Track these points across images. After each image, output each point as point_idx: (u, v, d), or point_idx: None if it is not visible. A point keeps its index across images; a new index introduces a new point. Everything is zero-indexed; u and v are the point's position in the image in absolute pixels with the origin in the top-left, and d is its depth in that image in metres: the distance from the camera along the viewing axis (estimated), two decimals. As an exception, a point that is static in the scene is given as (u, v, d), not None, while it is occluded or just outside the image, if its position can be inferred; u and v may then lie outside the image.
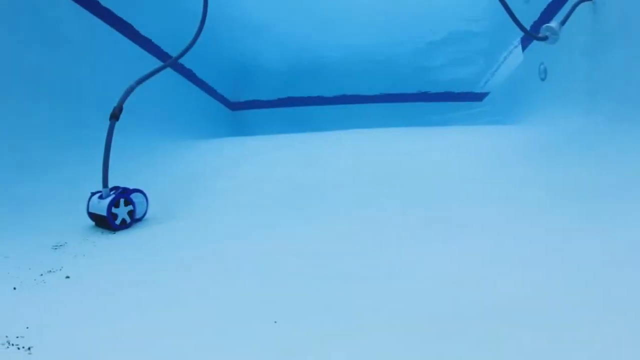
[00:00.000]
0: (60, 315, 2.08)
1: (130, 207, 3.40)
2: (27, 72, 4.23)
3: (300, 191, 3.84)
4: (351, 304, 2.06)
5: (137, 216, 3.48)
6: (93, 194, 3.44)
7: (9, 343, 1.81)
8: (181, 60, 5.40)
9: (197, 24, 4.51)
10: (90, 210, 3.41)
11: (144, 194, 3.53)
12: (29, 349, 1.76)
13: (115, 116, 3.50)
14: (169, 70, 5.39)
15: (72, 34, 4.68)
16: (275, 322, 1.92)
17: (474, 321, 1.84)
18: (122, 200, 3.35)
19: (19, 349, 1.77)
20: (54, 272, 2.56)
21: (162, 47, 5.52)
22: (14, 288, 2.36)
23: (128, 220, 3.38)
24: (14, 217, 3.48)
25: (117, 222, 3.33)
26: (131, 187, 3.50)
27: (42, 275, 2.52)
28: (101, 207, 3.32)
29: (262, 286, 2.31)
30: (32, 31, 4.30)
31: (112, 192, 3.38)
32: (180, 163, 4.58)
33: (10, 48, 4.14)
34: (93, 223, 3.43)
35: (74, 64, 4.61)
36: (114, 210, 3.31)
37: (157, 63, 4.63)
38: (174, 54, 4.37)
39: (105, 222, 3.31)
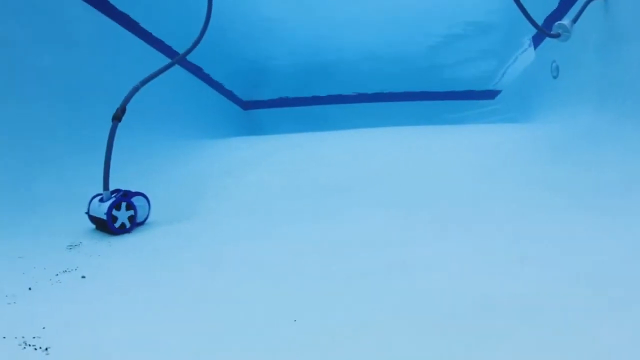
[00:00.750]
0: (77, 315, 2.08)
1: (131, 211, 3.34)
2: (40, 72, 4.24)
3: (313, 190, 3.85)
4: (367, 302, 2.06)
5: (139, 220, 3.42)
6: (94, 197, 3.41)
7: (25, 344, 1.81)
8: (193, 60, 5.41)
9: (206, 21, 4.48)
10: (91, 213, 3.37)
11: (146, 197, 3.48)
12: (46, 349, 1.77)
13: (117, 117, 3.41)
14: (180, 69, 5.41)
15: (83, 34, 4.69)
16: (295, 320, 1.93)
17: (482, 319, 1.84)
18: (122, 204, 3.30)
19: (35, 349, 1.77)
20: (69, 271, 2.57)
21: (175, 48, 5.53)
22: (29, 288, 2.37)
23: (128, 224, 3.33)
24: (27, 216, 3.49)
25: (117, 225, 3.27)
26: (140, 188, 3.48)
27: (57, 275, 2.52)
28: (101, 210, 3.28)
29: (279, 285, 2.31)
30: (43, 31, 4.31)
31: (113, 195, 3.33)
32: (192, 163, 4.59)
33: (22, 48, 4.15)
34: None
35: (87, 64, 4.62)
36: (114, 213, 3.26)
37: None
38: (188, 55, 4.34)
39: (105, 226, 3.26)
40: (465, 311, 1.90)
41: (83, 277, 2.50)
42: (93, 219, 3.37)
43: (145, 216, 3.48)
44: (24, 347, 1.79)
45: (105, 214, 3.24)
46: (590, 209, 2.99)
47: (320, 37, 6.94)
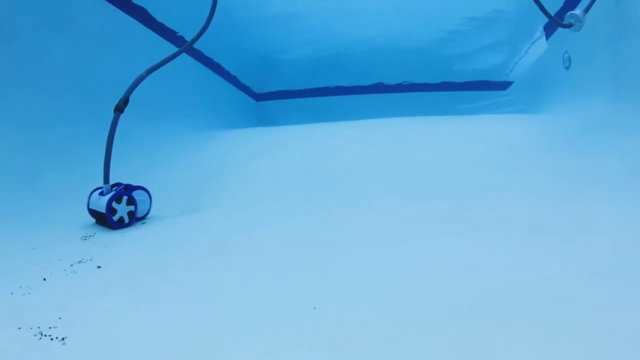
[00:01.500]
0: (94, 304, 2.08)
1: (131, 206, 3.30)
2: (53, 65, 4.26)
3: (326, 181, 3.85)
4: (384, 290, 2.07)
5: (140, 214, 3.38)
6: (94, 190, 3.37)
7: (41, 334, 1.81)
8: (206, 52, 5.39)
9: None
10: (90, 207, 3.33)
11: (147, 192, 3.44)
12: (62, 339, 1.77)
13: (119, 109, 3.38)
14: (192, 60, 5.41)
15: (91, 24, 4.69)
16: (314, 308, 1.94)
17: (498, 306, 1.84)
18: (123, 198, 3.25)
19: (52, 339, 1.77)
20: (84, 262, 2.57)
21: (186, 37, 5.53)
22: (44, 279, 2.37)
23: (127, 219, 3.28)
24: (39, 208, 3.50)
25: (117, 220, 3.23)
26: (148, 180, 3.45)
27: (72, 265, 2.53)
28: (101, 204, 3.24)
29: (296, 273, 2.31)
30: (52, 23, 4.32)
31: (113, 189, 3.30)
32: (203, 154, 4.59)
33: (35, 42, 4.17)
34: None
35: (100, 57, 4.63)
36: (113, 207, 3.21)
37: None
38: (200, 46, 4.31)
39: (105, 220, 3.22)
40: (475, 303, 1.90)
41: (99, 267, 2.51)
42: (93, 212, 3.33)
43: (146, 211, 3.44)
44: (40, 338, 1.79)
45: (105, 207, 3.21)
46: (601, 200, 2.98)
47: (332, 29, 6.94)
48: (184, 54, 4.13)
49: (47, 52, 4.26)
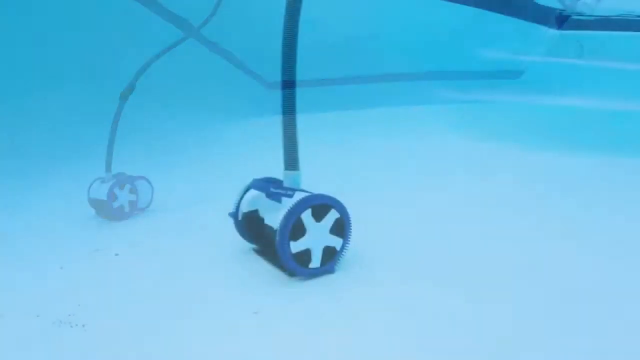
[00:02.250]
0: (112, 291, 2.10)
1: (132, 195, 3.26)
2: (67, 56, 4.26)
3: (336, 173, 3.84)
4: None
5: (142, 205, 3.33)
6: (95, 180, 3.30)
7: (60, 321, 1.83)
8: (218, 40, 5.36)
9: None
10: (91, 196, 3.26)
11: (149, 182, 3.39)
12: (83, 326, 1.78)
13: (125, 96, 3.30)
14: (205, 50, 5.39)
15: (102, 16, 4.69)
16: (338, 299, 1.94)
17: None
18: (124, 186, 3.21)
19: (71, 326, 1.79)
20: (101, 250, 2.59)
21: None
22: (61, 267, 2.39)
23: (128, 208, 3.23)
24: (55, 200, 3.53)
25: (117, 209, 3.18)
26: (156, 170, 3.42)
27: (90, 253, 2.55)
28: (101, 191, 3.19)
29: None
30: (67, 18, 4.32)
31: (114, 178, 3.24)
32: (216, 143, 4.59)
33: (60, 38, 4.18)
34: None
35: (123, 51, 4.62)
36: (114, 197, 3.17)
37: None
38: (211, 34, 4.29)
39: (105, 209, 3.17)
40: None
41: (116, 254, 2.52)
42: (93, 202, 3.26)
43: (148, 201, 3.40)
44: (59, 325, 1.81)
45: (106, 194, 3.16)
46: (608, 191, 2.99)
47: (344, 18, 6.91)
48: (192, 40, 4.09)
49: (57, 46, 4.26)
